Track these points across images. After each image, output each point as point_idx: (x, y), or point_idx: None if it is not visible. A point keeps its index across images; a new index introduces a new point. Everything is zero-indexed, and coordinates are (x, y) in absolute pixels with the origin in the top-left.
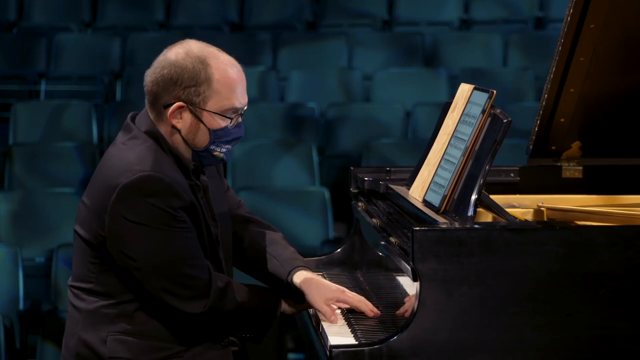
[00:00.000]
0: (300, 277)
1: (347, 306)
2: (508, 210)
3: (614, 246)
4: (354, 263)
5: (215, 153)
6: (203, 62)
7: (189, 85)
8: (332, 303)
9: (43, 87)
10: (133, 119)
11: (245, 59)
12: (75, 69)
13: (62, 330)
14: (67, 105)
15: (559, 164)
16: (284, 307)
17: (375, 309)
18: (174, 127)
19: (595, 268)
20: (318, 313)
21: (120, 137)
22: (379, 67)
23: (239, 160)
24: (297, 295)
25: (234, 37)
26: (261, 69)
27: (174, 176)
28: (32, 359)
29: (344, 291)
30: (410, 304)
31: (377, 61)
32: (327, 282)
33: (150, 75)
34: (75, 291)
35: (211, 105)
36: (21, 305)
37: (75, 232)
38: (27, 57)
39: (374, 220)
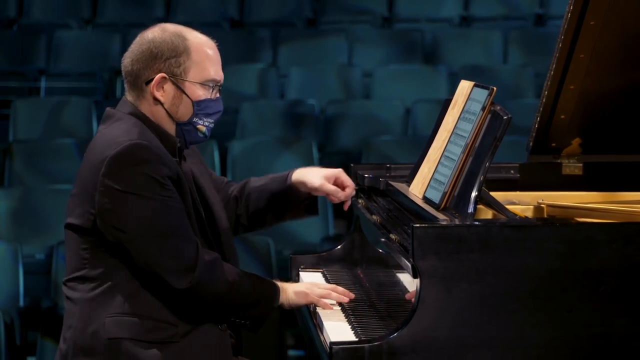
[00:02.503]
0: (296, 173)
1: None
2: (508, 207)
3: (614, 243)
4: (353, 260)
5: (199, 126)
6: (180, 36)
7: (170, 57)
8: (328, 179)
9: (43, 83)
10: (113, 109)
11: (245, 56)
12: (75, 66)
13: (61, 327)
14: (67, 102)
15: (559, 161)
16: (282, 300)
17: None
18: (156, 100)
19: (595, 265)
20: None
21: (101, 125)
22: (378, 64)
23: (239, 157)
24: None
25: (233, 34)
26: (261, 66)
27: (161, 147)
28: (32, 356)
29: (341, 171)
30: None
31: (377, 58)
32: (323, 168)
33: (128, 57)
34: (70, 284)
35: (192, 75)
36: (21, 302)
37: (66, 225)
38: (27, 54)
39: (374, 217)
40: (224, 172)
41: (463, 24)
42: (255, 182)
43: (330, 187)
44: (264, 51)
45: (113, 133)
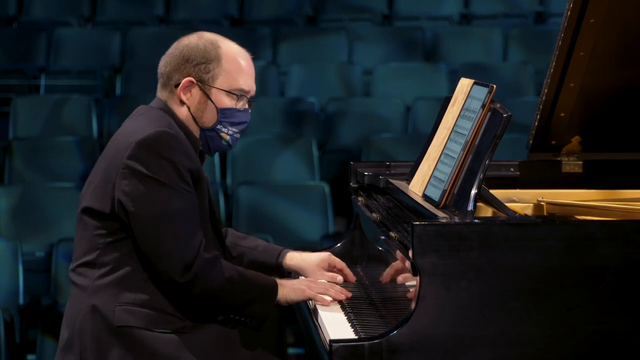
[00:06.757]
0: (291, 258)
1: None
2: (508, 204)
3: (614, 241)
4: (353, 257)
5: (222, 134)
6: (214, 44)
7: (200, 63)
8: (323, 267)
9: (43, 81)
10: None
11: None
12: (75, 64)
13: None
14: (67, 100)
15: (558, 159)
16: (279, 296)
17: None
18: (183, 103)
19: (595, 263)
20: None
21: (129, 119)
22: (379, 62)
23: (239, 155)
24: (288, 277)
25: (233, 32)
26: (261, 63)
27: (186, 140)
28: (32, 354)
29: (330, 255)
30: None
31: (377, 56)
32: (313, 253)
33: (163, 59)
34: (79, 269)
35: (220, 82)
36: (21, 300)
37: (81, 211)
38: (27, 51)
39: (374, 214)
40: (224, 170)
41: (463, 22)
42: (238, 240)
43: (328, 275)
44: (264, 49)
45: (141, 123)
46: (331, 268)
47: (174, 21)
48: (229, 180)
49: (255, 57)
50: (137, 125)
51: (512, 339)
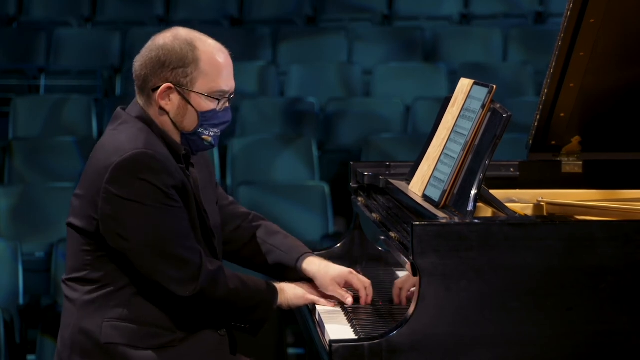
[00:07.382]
0: (309, 263)
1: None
2: (508, 205)
3: (614, 241)
4: (353, 258)
5: (204, 137)
6: (190, 45)
7: (177, 67)
8: (339, 283)
9: (43, 81)
10: (122, 110)
11: (245, 54)
12: (75, 64)
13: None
14: (67, 100)
15: (558, 159)
16: (281, 301)
17: (368, 300)
18: (162, 109)
19: (595, 263)
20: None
21: (110, 126)
22: (378, 62)
23: (239, 155)
24: (306, 280)
25: (233, 32)
26: (261, 63)
27: (167, 155)
28: (32, 354)
29: (351, 272)
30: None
31: (377, 56)
32: (334, 265)
33: (138, 60)
34: (70, 283)
35: (199, 86)
36: (21, 300)
37: (68, 225)
38: (27, 51)
39: (374, 215)
40: (223, 170)
41: (463, 22)
42: (267, 236)
43: (339, 293)
44: (263, 49)
45: (120, 138)
46: (347, 286)
47: (174, 21)
48: (228, 181)
49: (255, 57)
50: (116, 141)
51: (512, 339)
